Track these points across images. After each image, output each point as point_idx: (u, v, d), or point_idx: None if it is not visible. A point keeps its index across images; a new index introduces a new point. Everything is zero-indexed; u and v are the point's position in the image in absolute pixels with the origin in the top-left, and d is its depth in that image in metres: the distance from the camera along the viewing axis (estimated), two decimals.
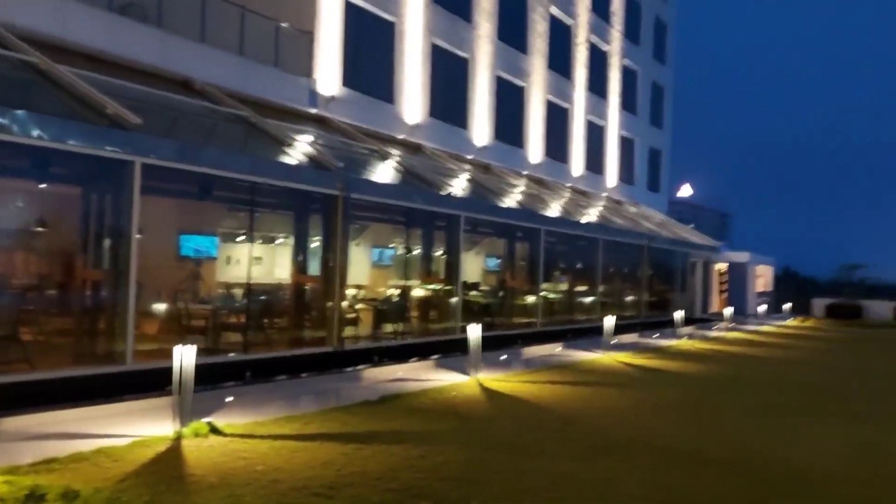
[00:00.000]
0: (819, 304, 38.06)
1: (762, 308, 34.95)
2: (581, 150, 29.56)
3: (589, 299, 22.81)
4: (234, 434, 7.35)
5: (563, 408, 9.83)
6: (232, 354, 11.38)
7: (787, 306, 36.90)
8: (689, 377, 13.65)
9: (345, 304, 13.31)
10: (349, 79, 17.55)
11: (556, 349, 16.84)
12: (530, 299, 19.63)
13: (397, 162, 16.73)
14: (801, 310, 37.94)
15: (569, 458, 7.07)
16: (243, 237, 14.33)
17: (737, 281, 36.64)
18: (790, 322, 32.75)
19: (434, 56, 20.83)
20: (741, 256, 37.08)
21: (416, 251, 17.45)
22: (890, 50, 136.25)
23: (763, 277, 40.37)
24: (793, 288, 46.53)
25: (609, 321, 17.17)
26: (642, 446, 7.70)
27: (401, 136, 19.30)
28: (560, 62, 28.03)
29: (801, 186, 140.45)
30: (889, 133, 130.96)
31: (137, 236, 9.59)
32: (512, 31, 24.79)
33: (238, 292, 13.51)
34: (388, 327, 15.16)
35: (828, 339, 24.88)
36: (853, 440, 8.49)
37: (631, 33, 34.09)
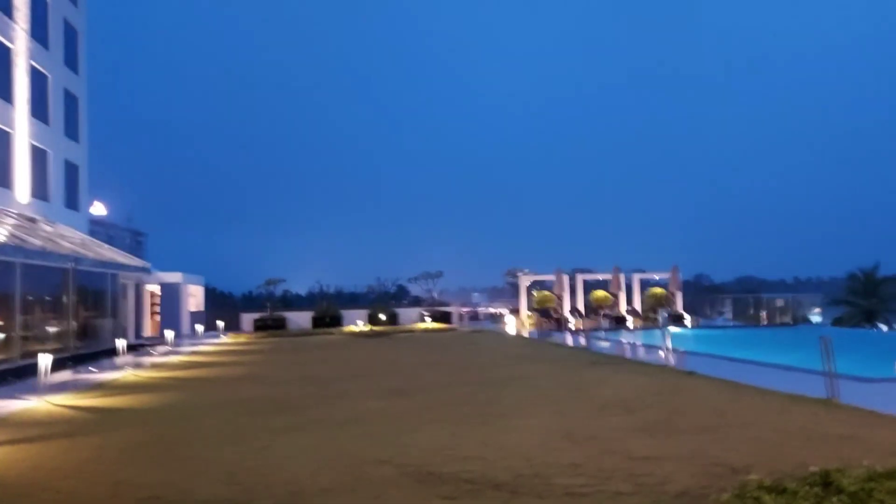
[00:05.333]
0: (248, 318, 40.12)
1: (198, 328, 35.05)
2: None
3: (5, 335, 19.14)
4: None
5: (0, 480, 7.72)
6: None
7: (221, 324, 37.80)
8: (145, 412, 12.47)
9: None
10: None
11: None
12: None
13: None
14: (231, 326, 39.40)
15: None
16: None
17: (170, 302, 36.02)
18: (226, 339, 33.55)
19: None
20: (174, 277, 36.61)
21: None
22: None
23: (195, 297, 40.70)
24: (218, 305, 48.29)
25: (44, 360, 14.58)
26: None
27: None
28: None
29: (219, 206, 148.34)
30: (306, 157, 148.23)
31: None
32: None
33: None
34: None
35: (261, 351, 26.28)
36: (321, 450, 8.80)
37: (39, 34, 30.36)
